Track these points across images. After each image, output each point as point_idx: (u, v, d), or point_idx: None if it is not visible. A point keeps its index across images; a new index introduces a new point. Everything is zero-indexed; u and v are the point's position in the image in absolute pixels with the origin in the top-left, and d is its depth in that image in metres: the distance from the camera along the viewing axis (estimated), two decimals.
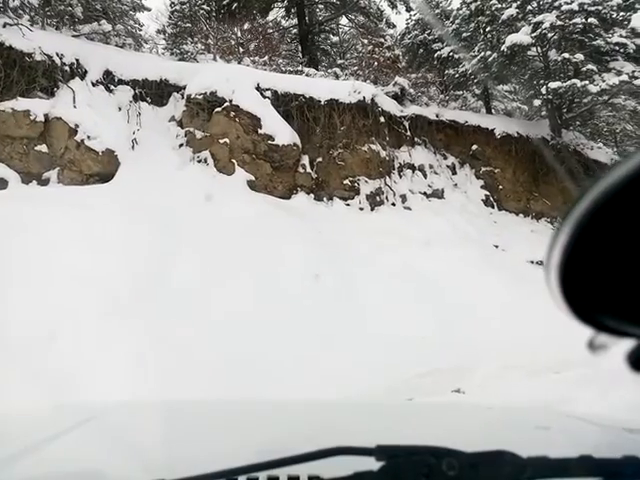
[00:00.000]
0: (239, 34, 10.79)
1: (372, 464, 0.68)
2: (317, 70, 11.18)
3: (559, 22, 8.74)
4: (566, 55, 8.81)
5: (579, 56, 8.77)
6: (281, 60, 11.42)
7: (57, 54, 7.26)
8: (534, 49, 9.49)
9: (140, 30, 11.46)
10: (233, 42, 10.57)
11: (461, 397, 4.94)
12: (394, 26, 14.28)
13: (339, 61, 13.13)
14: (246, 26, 11.79)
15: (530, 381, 5.21)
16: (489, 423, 1.45)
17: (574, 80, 8.67)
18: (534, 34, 8.92)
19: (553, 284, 0.46)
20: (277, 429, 1.23)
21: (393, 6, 14.21)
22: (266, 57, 10.59)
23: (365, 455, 0.68)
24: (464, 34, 11.49)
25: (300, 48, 13.96)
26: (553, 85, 8.73)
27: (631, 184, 0.40)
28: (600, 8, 8.94)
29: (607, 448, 1.05)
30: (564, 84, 8.70)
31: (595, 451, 0.72)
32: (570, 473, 0.70)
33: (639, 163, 0.40)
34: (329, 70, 11.50)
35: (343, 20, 15.37)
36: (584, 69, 8.95)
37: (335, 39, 15.03)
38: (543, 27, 8.76)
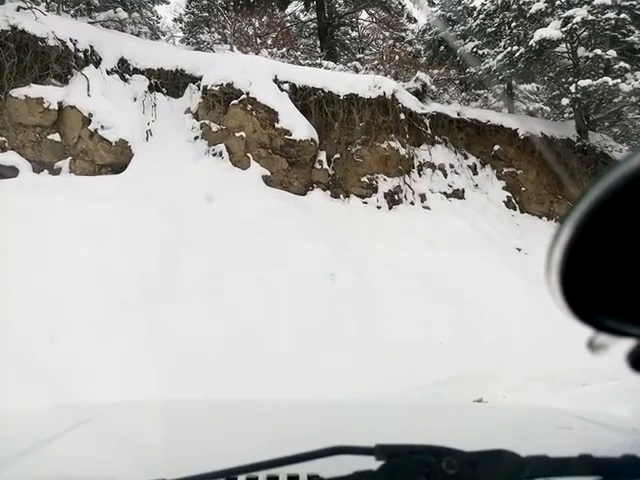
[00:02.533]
0: (257, 24, 10.56)
1: (372, 463, 0.67)
2: (336, 64, 10.92)
3: (590, 17, 8.37)
4: (598, 51, 8.44)
5: (611, 53, 8.39)
6: (299, 53, 11.18)
7: (71, 40, 7.09)
8: (563, 45, 9.12)
9: (158, 23, 11.33)
10: (251, 33, 10.36)
11: None
12: (415, 21, 13.95)
13: (358, 55, 12.85)
14: (264, 19, 11.58)
15: (556, 394, 4.93)
16: (489, 422, 1.43)
17: (606, 78, 8.30)
18: (564, 29, 8.55)
19: (553, 284, 0.46)
20: (277, 429, 1.22)
21: (414, 1, 13.89)
22: (284, 49, 10.36)
23: (365, 454, 0.68)
24: (488, 29, 11.14)
25: (319, 42, 13.71)
26: (583, 83, 8.36)
27: (632, 183, 0.40)
28: (634, 3, 8.56)
29: (607, 447, 1.04)
30: (595, 82, 8.33)
31: (595, 450, 0.71)
32: (569, 472, 0.69)
33: (638, 163, 0.39)
34: (348, 64, 11.24)
35: (363, 15, 15.10)
36: (616, 67, 8.57)
37: (354, 34, 14.74)
38: (574, 22, 8.39)
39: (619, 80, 8.37)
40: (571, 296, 0.46)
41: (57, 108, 6.85)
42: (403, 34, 12.20)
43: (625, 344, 0.49)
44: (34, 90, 6.77)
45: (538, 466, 0.68)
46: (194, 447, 1.00)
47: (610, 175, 0.40)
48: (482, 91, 11.70)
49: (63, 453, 1.00)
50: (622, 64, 8.63)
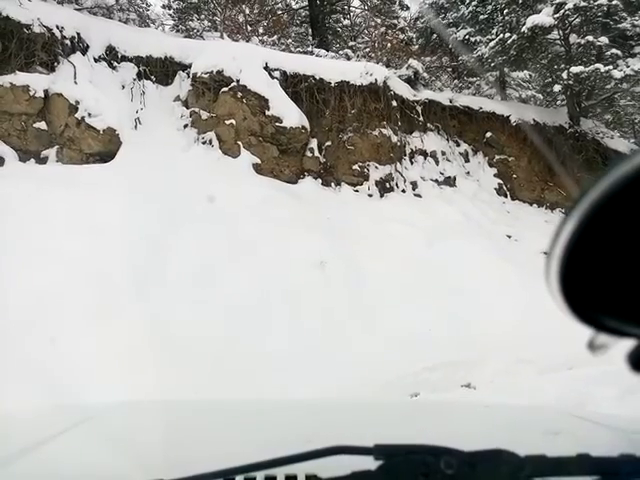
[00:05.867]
0: (247, 12, 10.45)
1: (370, 463, 0.67)
2: (328, 52, 10.82)
3: (583, 3, 8.32)
4: (590, 38, 8.41)
5: (603, 39, 8.36)
6: (291, 41, 11.08)
7: (57, 27, 6.97)
8: (555, 32, 9.08)
9: (147, 10, 11.17)
10: (241, 20, 10.24)
11: (471, 392, 4.73)
12: (407, 8, 13.82)
13: (350, 43, 12.75)
14: (255, 6, 11.45)
15: (543, 377, 4.98)
16: (488, 422, 1.43)
17: (597, 65, 8.28)
18: (556, 16, 8.51)
19: (553, 284, 0.45)
20: (277, 428, 1.22)
21: None
22: (275, 37, 10.26)
23: (363, 454, 0.68)
24: (480, 17, 11.07)
25: (310, 30, 13.57)
26: (575, 70, 8.34)
27: (633, 183, 0.39)
28: None
29: (605, 446, 1.03)
30: (587, 69, 8.31)
31: (593, 449, 0.72)
32: (568, 471, 0.70)
33: (638, 164, 0.39)
34: (340, 52, 11.15)
35: (355, 2, 14.93)
36: (608, 53, 8.54)
37: (346, 22, 14.61)
38: (566, 8, 8.35)
39: (611, 67, 8.35)
40: (571, 296, 0.46)
41: (43, 96, 6.75)
42: (395, 21, 12.10)
43: (625, 344, 0.49)
44: (19, 78, 6.67)
45: (537, 466, 0.68)
46: (193, 447, 1.00)
47: (611, 174, 0.40)
48: (474, 79, 11.65)
49: (62, 453, 1.00)
50: (614, 51, 8.60)
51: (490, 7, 10.78)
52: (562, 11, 8.55)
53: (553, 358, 5.13)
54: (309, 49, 10.70)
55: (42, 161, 6.66)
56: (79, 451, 1.05)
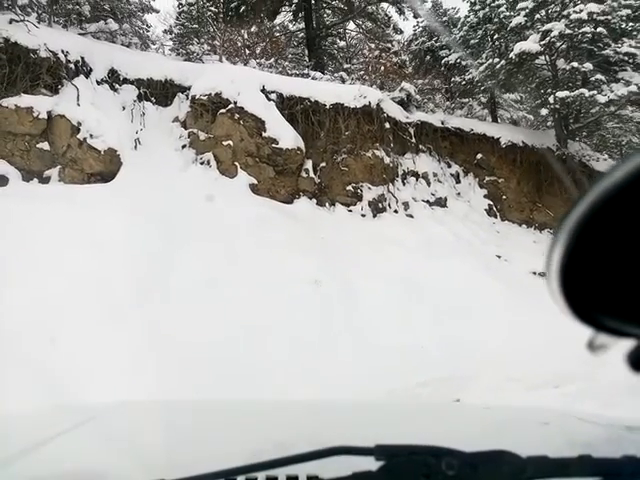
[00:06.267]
0: (246, 36, 10.76)
1: (371, 464, 0.67)
2: (323, 74, 11.13)
3: (568, 31, 8.68)
4: (575, 64, 8.75)
5: (588, 65, 8.70)
6: (287, 63, 11.38)
7: (62, 51, 7.24)
8: (542, 58, 9.43)
9: (148, 31, 11.47)
10: (239, 44, 10.54)
11: None
12: (401, 32, 14.25)
13: (345, 66, 13.09)
14: (253, 29, 11.77)
15: (530, 394, 5.13)
16: (488, 423, 1.43)
17: (582, 90, 8.60)
18: (543, 42, 8.86)
19: (554, 285, 0.46)
20: (277, 429, 1.23)
21: (401, 12, 14.17)
22: (272, 60, 10.56)
23: (364, 455, 0.68)
24: (471, 41, 11.46)
25: (307, 52, 13.93)
26: (561, 94, 8.66)
27: (630, 185, 0.40)
28: (609, 18, 8.88)
29: (607, 447, 1.04)
30: (572, 93, 8.64)
31: (595, 450, 0.72)
32: (569, 473, 0.69)
33: (637, 164, 0.40)
34: (335, 74, 11.46)
35: (350, 25, 15.36)
36: (592, 79, 8.88)
37: (342, 44, 15.00)
38: (552, 35, 8.70)
39: (595, 92, 8.66)
40: (571, 296, 0.46)
41: (46, 117, 6.96)
42: (389, 45, 12.48)
43: (625, 344, 0.49)
44: (24, 100, 6.89)
45: (538, 467, 0.68)
46: (194, 447, 1.01)
47: (610, 176, 0.41)
48: (467, 99, 11.99)
49: (63, 453, 1.01)
50: (598, 76, 8.92)
51: (480, 32, 11.17)
52: (548, 38, 8.90)
53: (540, 376, 5.29)
54: (305, 71, 11.00)
55: (45, 181, 6.84)
56: (80, 451, 1.05)
